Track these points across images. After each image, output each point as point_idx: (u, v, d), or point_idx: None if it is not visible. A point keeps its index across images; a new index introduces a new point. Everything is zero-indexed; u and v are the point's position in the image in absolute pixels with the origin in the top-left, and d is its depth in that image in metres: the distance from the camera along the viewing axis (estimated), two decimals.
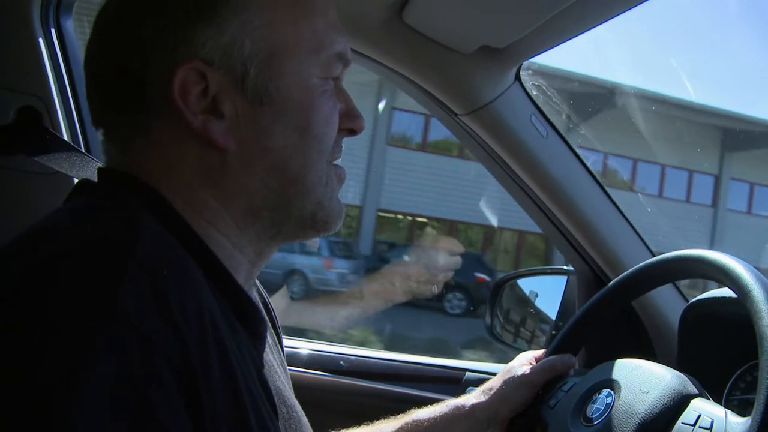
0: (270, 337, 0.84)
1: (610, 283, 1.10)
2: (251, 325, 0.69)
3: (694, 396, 0.86)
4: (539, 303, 1.72)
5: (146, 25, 0.64)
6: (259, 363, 0.69)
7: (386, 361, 1.64)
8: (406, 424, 1.08)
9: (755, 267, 0.84)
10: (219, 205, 0.68)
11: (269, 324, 0.87)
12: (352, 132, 0.76)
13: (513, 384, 1.06)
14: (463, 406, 1.07)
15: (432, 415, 1.08)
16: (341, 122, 0.73)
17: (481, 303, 10.81)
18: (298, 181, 0.70)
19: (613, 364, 0.98)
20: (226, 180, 0.67)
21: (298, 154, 0.69)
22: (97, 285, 0.50)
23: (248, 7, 0.66)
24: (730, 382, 1.12)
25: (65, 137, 1.28)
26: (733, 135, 16.22)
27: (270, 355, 0.80)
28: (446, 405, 1.09)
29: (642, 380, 0.90)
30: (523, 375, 1.06)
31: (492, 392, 1.07)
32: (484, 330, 1.74)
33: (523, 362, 1.10)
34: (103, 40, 0.68)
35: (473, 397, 1.08)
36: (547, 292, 1.69)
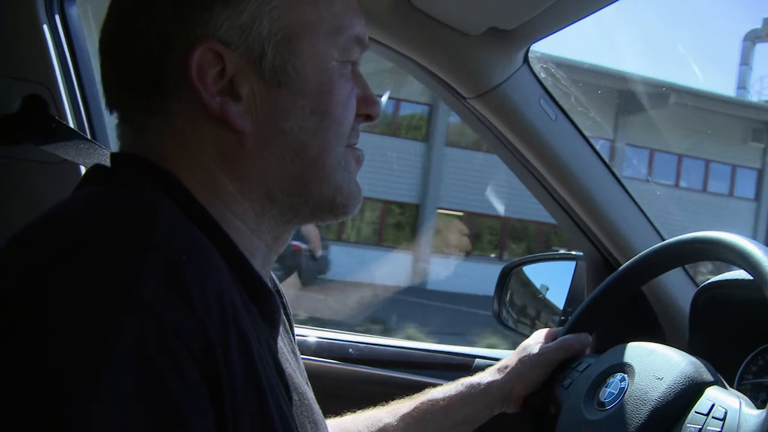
0: (281, 324, 0.84)
1: (622, 267, 1.10)
2: (267, 311, 0.68)
3: (709, 384, 0.85)
4: (548, 289, 1.71)
5: (163, 5, 0.64)
6: (274, 349, 0.68)
7: (395, 348, 1.63)
8: (422, 403, 1.08)
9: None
10: (236, 189, 0.67)
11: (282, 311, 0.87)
12: (369, 118, 0.75)
13: (529, 362, 1.06)
14: (479, 384, 1.07)
15: (447, 394, 1.08)
16: (358, 108, 0.73)
17: (294, 269, 10.75)
18: (316, 164, 0.70)
19: (627, 347, 0.98)
20: (243, 163, 0.67)
21: (316, 137, 0.69)
22: (115, 274, 0.50)
23: None
24: (742, 366, 1.11)
25: (71, 125, 1.28)
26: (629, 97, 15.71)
27: (281, 342, 0.80)
28: (461, 383, 1.09)
29: (656, 365, 0.89)
30: (539, 353, 1.07)
31: (507, 370, 1.07)
32: (492, 316, 1.73)
33: (539, 340, 1.11)
34: (120, 23, 0.67)
35: (488, 375, 1.09)
36: (555, 278, 1.68)
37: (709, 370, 0.87)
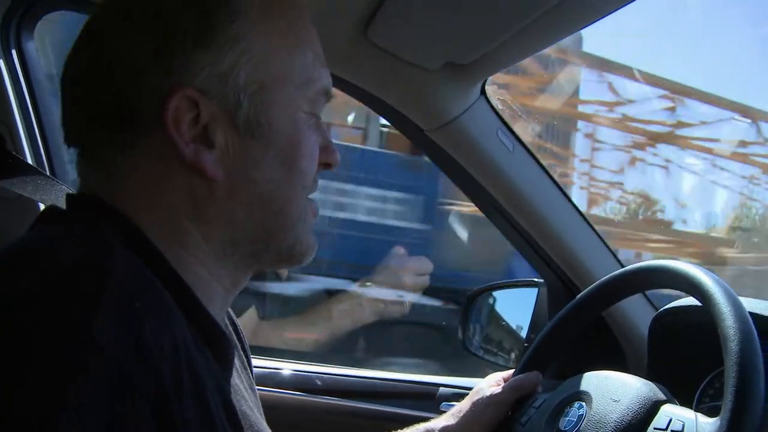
0: (238, 360, 0.84)
1: (577, 297, 1.11)
2: (221, 353, 0.68)
3: (664, 402, 0.87)
4: (511, 315, 1.73)
5: (141, 46, 0.63)
6: (226, 390, 0.68)
7: (361, 379, 1.63)
8: None
9: None
10: (200, 234, 0.67)
11: (238, 346, 0.87)
12: (329, 166, 0.76)
13: (482, 404, 1.06)
14: (433, 431, 1.07)
15: None
16: (319, 156, 0.73)
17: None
18: (281, 214, 0.70)
19: (582, 377, 0.99)
20: (211, 210, 0.66)
21: (283, 187, 0.69)
22: (71, 319, 0.49)
23: (246, 35, 0.65)
24: (699, 390, 1.13)
25: (29, 161, 1.26)
26: None
27: (237, 380, 0.79)
28: (416, 430, 1.09)
29: (612, 390, 0.91)
30: (492, 395, 1.06)
31: (461, 414, 1.07)
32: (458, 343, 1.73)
33: (491, 383, 1.11)
34: (95, 54, 0.66)
35: (443, 420, 1.08)
36: (519, 305, 1.69)
37: (663, 390, 0.89)
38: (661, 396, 0.88)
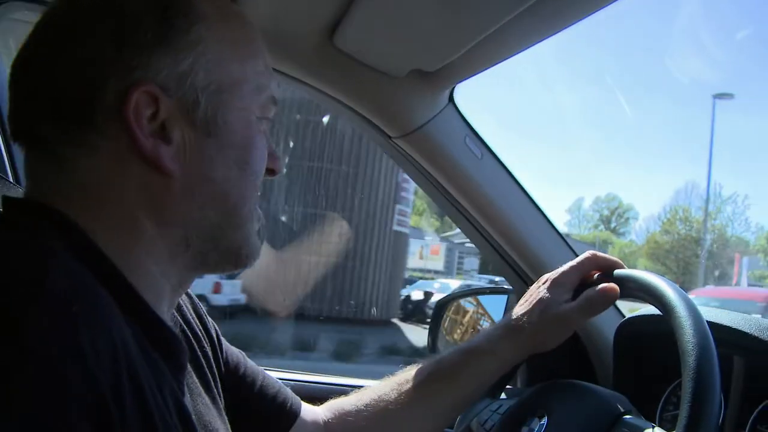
0: (202, 358, 0.85)
1: None
2: (171, 353, 0.68)
3: (624, 413, 0.88)
4: (482, 322, 1.73)
5: (102, 42, 0.64)
6: (178, 393, 0.68)
7: (327, 386, 1.62)
8: (429, 375, 1.04)
9: None
10: (155, 230, 0.68)
11: (198, 344, 0.88)
12: (272, 173, 0.78)
13: (549, 320, 0.98)
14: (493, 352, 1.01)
15: (453, 362, 1.03)
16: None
17: None
18: (233, 213, 0.72)
19: (544, 386, 0.99)
20: (166, 206, 0.68)
21: (236, 186, 0.71)
22: (5, 328, 0.48)
23: (203, 40, 0.68)
24: (662, 399, 1.14)
25: None
26: None
27: (193, 377, 0.80)
28: (462, 351, 1.04)
29: (573, 401, 0.91)
30: (561, 313, 0.97)
31: (524, 329, 0.99)
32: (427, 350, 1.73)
33: (560, 297, 0.99)
34: (51, 48, 0.66)
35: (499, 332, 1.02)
36: (489, 312, 1.69)
37: (623, 402, 0.89)
38: (622, 408, 0.88)
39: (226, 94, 0.69)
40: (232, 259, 0.75)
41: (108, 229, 0.65)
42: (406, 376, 1.05)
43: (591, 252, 1.01)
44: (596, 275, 0.99)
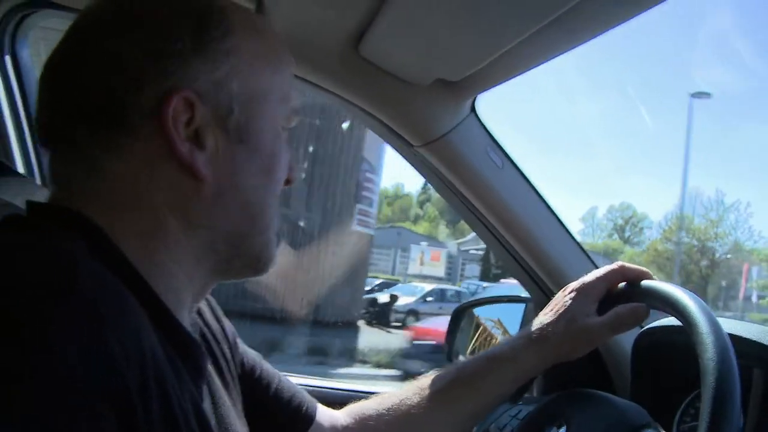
0: (222, 361, 0.86)
1: None
2: (191, 360, 0.69)
3: (643, 426, 0.87)
4: (495, 332, 1.73)
5: (137, 47, 0.65)
6: (197, 398, 0.69)
7: (343, 392, 1.63)
8: (452, 382, 1.03)
9: None
10: (182, 234, 0.69)
11: (219, 349, 0.88)
12: (288, 182, 0.79)
13: (575, 333, 0.97)
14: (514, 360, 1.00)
15: (477, 369, 1.03)
16: None
17: None
18: (257, 219, 0.74)
19: (564, 395, 1.00)
20: (196, 211, 0.69)
21: (261, 194, 0.73)
22: (33, 333, 0.48)
23: (238, 51, 0.69)
24: (679, 411, 1.13)
25: (19, 169, 1.27)
26: None
27: (215, 383, 0.81)
28: (486, 359, 1.03)
29: (592, 411, 0.91)
30: (587, 327, 0.96)
31: (547, 340, 0.98)
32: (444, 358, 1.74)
33: (587, 309, 0.98)
34: (82, 57, 0.67)
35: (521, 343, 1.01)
36: (506, 319, 1.70)
37: (642, 414, 0.89)
38: (641, 420, 0.88)
39: (256, 103, 0.71)
40: (253, 264, 0.76)
41: (135, 232, 0.66)
42: (427, 381, 1.05)
43: (619, 263, 0.99)
44: (622, 285, 0.99)
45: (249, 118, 0.71)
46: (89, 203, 0.66)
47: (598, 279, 0.99)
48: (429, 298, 23.03)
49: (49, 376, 0.47)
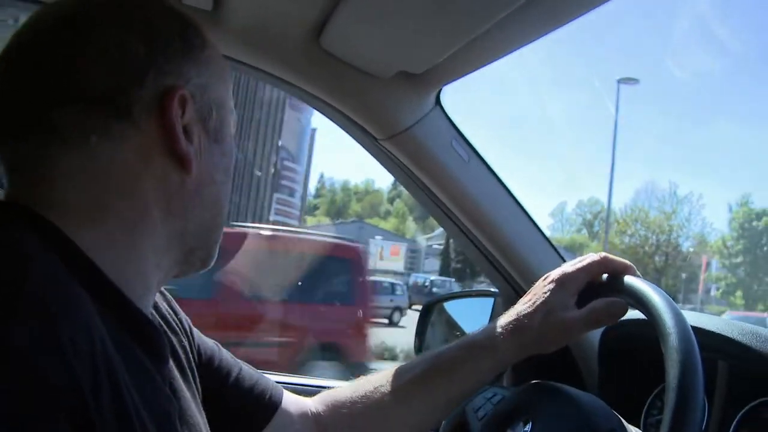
0: (176, 354, 0.86)
1: None
2: (154, 347, 0.71)
3: (610, 431, 0.86)
4: (468, 325, 1.73)
5: (135, 43, 0.69)
6: (163, 386, 0.71)
7: (319, 388, 1.61)
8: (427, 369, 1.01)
9: None
10: (161, 223, 0.72)
11: (183, 337, 0.90)
12: None
13: (552, 325, 0.94)
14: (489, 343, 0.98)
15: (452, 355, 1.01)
16: None
17: None
18: (220, 217, 0.79)
19: (533, 388, 0.99)
20: (177, 202, 0.73)
21: (224, 192, 0.79)
22: None
23: (211, 62, 0.76)
24: (647, 404, 1.14)
25: None
26: None
27: (172, 373, 0.80)
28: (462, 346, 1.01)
29: (559, 410, 0.89)
30: (565, 322, 0.93)
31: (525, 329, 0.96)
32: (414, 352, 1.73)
33: (566, 301, 0.95)
34: (83, 45, 0.68)
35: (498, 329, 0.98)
36: (475, 315, 1.69)
37: (610, 417, 0.88)
38: (609, 424, 0.86)
39: (223, 109, 0.78)
40: (206, 259, 0.80)
41: (120, 218, 0.68)
42: (404, 368, 1.04)
43: (603, 254, 0.96)
44: (604, 277, 0.95)
45: (221, 122, 0.77)
46: (69, 188, 0.67)
47: (579, 270, 0.96)
48: None
49: (11, 374, 0.47)
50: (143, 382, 0.64)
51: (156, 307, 0.86)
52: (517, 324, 0.96)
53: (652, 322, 0.82)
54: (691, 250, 40.99)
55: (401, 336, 15.65)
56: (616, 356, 1.19)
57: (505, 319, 0.98)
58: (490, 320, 1.58)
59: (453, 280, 36.45)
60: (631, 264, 0.94)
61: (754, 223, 47.81)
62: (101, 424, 0.52)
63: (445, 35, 1.04)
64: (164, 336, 0.75)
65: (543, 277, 0.99)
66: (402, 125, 1.23)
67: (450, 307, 1.79)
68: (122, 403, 0.57)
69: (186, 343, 0.91)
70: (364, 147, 1.33)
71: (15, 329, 0.49)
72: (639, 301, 0.86)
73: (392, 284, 24.34)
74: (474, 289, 1.80)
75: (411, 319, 24.66)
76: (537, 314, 0.95)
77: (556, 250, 1.41)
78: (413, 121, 1.23)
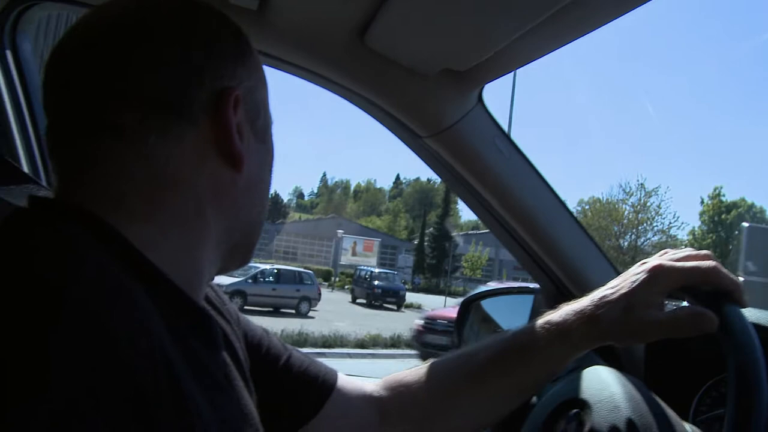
0: (229, 341, 0.87)
1: None
2: (209, 338, 0.71)
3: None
4: (507, 322, 1.73)
5: (192, 46, 0.71)
6: (216, 376, 0.71)
7: None
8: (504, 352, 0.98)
9: None
10: (213, 220, 0.73)
11: (233, 324, 0.92)
12: None
13: (631, 325, 0.87)
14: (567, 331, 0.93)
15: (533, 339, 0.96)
16: None
17: None
18: (262, 214, 0.82)
19: (583, 377, 0.96)
20: (228, 200, 0.74)
21: (267, 191, 0.82)
22: (31, 331, 0.47)
23: (257, 68, 0.79)
24: (696, 398, 1.13)
25: (24, 168, 1.25)
26: None
27: (230, 365, 0.81)
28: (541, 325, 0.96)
29: (610, 409, 0.87)
30: (646, 321, 0.86)
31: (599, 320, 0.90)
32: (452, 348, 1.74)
33: (653, 294, 0.87)
34: (145, 45, 0.69)
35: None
36: (514, 311, 1.69)
37: (660, 419, 0.85)
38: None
39: (267, 112, 0.81)
40: (248, 255, 0.82)
41: (176, 215, 0.69)
42: (473, 350, 1.01)
43: (714, 264, 0.85)
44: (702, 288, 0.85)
45: (266, 124, 0.80)
46: (124, 187, 0.67)
47: (680, 270, 0.85)
48: (261, 279, 22.67)
49: (62, 365, 0.46)
50: (200, 372, 0.64)
51: (206, 298, 0.87)
52: (595, 311, 0.90)
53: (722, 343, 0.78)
54: (661, 239, 39.93)
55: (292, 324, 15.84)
56: (663, 348, 1.18)
57: (583, 304, 0.92)
58: (530, 318, 1.59)
59: (395, 272, 36.21)
60: (740, 285, 0.84)
61: (724, 216, 47.06)
62: (161, 418, 0.52)
63: (491, 33, 1.04)
64: (217, 324, 0.74)
65: (640, 262, 0.91)
66: (446, 123, 1.23)
67: (488, 304, 1.79)
68: (181, 396, 0.57)
69: (236, 331, 0.92)
70: (407, 144, 1.33)
71: (63, 337, 0.47)
72: (730, 339, 0.77)
73: (299, 273, 23.91)
74: (514, 285, 1.78)
75: (330, 310, 24.25)
76: (616, 307, 0.87)
77: (597, 245, 1.41)
78: (457, 119, 1.23)
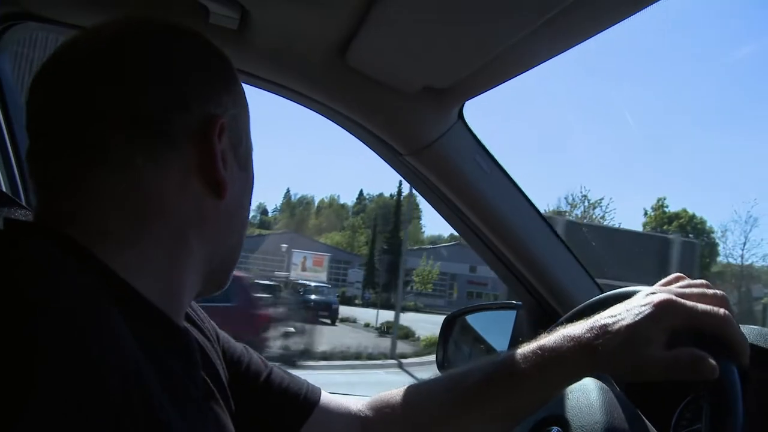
0: (207, 360, 0.86)
1: (563, 318, 1.10)
2: (186, 355, 0.72)
3: None
4: (490, 338, 1.72)
5: (188, 70, 0.72)
6: (193, 392, 0.71)
7: None
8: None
9: None
10: (196, 244, 0.73)
11: (213, 341, 0.92)
12: None
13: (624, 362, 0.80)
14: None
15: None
16: None
17: None
18: (241, 240, 0.82)
19: (566, 394, 0.97)
20: (210, 225, 0.74)
21: (247, 218, 0.82)
22: (8, 351, 0.47)
23: (241, 96, 0.80)
24: (675, 414, 1.13)
25: (3, 188, 1.24)
26: None
27: (205, 377, 0.81)
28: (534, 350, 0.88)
29: (591, 425, 0.88)
30: (646, 358, 0.78)
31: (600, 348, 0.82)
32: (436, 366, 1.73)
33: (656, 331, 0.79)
34: (133, 67, 0.70)
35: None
36: (497, 327, 1.69)
37: (646, 427, 0.86)
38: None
39: (248, 139, 0.81)
40: (224, 281, 0.82)
41: (158, 239, 0.69)
42: (463, 373, 0.97)
43: (725, 313, 0.78)
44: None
45: (248, 151, 0.80)
46: (105, 209, 0.67)
47: (689, 311, 0.79)
48: None
49: (37, 393, 0.45)
50: (175, 390, 0.64)
51: (186, 315, 0.86)
52: (593, 341, 0.82)
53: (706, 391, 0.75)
54: None
55: None
56: None
57: (580, 330, 0.84)
58: (512, 333, 1.60)
59: (329, 285, 36.46)
60: (747, 343, 0.79)
61: (666, 227, 47.36)
62: None
63: (471, 50, 1.05)
64: (195, 342, 0.75)
65: (646, 291, 0.85)
66: (426, 140, 1.24)
67: (472, 320, 1.78)
68: (154, 414, 0.56)
69: (216, 348, 0.92)
70: (387, 162, 1.34)
71: (44, 346, 0.47)
72: (719, 396, 0.74)
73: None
74: (493, 302, 1.78)
75: None
76: (617, 338, 0.80)
77: (579, 261, 1.41)
78: (437, 136, 1.24)
